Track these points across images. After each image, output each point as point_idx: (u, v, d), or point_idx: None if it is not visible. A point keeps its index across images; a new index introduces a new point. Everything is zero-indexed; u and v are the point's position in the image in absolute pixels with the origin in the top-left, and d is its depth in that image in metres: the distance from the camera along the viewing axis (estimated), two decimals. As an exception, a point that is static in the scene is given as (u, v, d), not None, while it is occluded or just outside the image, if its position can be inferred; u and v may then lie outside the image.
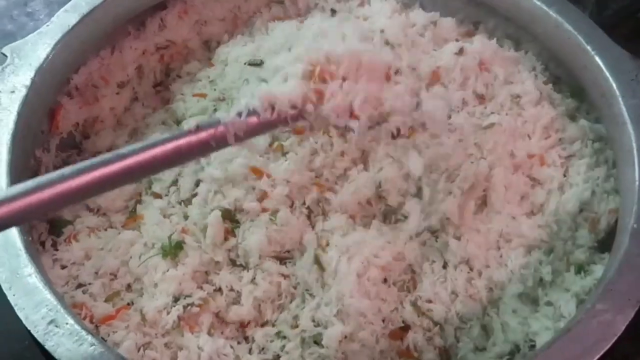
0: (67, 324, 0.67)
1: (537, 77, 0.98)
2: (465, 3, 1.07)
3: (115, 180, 0.61)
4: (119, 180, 0.62)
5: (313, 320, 0.78)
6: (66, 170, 0.60)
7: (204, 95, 0.98)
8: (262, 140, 0.87)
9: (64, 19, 0.92)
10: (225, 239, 0.84)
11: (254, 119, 0.65)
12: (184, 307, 0.80)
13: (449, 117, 0.89)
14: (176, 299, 0.81)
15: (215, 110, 0.96)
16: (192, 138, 0.63)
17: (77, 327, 0.66)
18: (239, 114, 0.64)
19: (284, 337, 0.79)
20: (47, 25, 0.91)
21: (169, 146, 0.62)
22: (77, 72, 0.96)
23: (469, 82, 0.93)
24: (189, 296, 0.81)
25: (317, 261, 0.81)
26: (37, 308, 0.67)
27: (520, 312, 0.78)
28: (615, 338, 0.67)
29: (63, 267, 0.83)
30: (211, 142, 0.64)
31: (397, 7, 1.01)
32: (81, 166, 0.60)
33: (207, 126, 0.64)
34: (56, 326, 0.66)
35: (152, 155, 0.62)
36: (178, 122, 0.99)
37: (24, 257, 0.71)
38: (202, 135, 0.64)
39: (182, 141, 0.63)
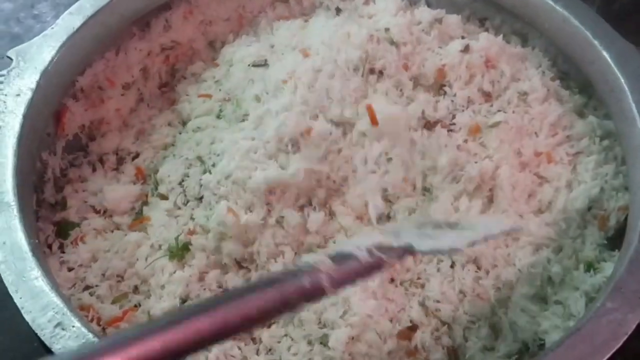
0: (73, 326, 0.66)
1: (544, 74, 0.97)
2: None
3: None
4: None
5: (319, 322, 0.78)
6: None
7: (209, 96, 0.98)
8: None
9: (69, 22, 0.92)
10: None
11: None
12: (192, 309, 0.79)
13: (454, 116, 0.89)
14: (183, 301, 0.81)
15: (220, 110, 0.95)
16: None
17: (83, 329, 0.66)
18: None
19: (292, 338, 0.79)
20: (52, 28, 0.91)
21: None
22: (82, 74, 0.96)
23: (475, 80, 0.92)
24: (197, 298, 0.81)
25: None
26: (44, 311, 0.67)
27: (529, 311, 0.78)
28: (626, 337, 0.66)
29: (70, 270, 0.84)
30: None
31: (402, 5, 1.00)
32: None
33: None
34: (63, 329, 0.66)
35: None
36: (184, 123, 0.99)
37: (30, 260, 0.71)
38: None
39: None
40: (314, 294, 0.57)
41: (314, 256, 0.59)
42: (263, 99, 0.89)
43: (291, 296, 0.56)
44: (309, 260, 0.59)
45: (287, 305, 0.56)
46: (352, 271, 0.59)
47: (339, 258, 0.59)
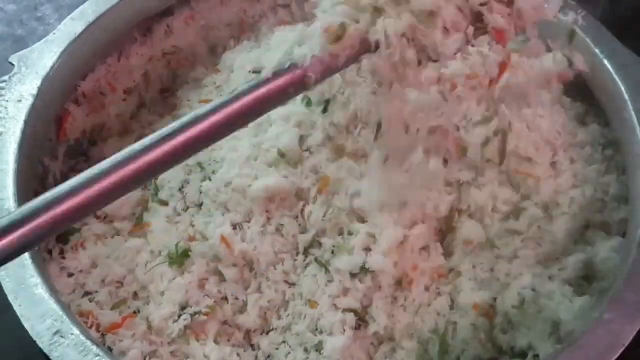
0: (72, 334, 0.67)
1: (546, 80, 0.96)
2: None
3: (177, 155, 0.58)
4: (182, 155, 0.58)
5: (316, 328, 0.78)
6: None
7: (209, 101, 0.98)
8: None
9: (71, 27, 0.93)
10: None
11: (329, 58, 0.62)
12: (191, 316, 0.80)
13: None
14: (183, 307, 0.81)
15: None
16: (270, 86, 0.60)
17: (82, 337, 0.66)
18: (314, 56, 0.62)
19: (289, 345, 0.79)
20: (54, 34, 0.92)
21: (249, 99, 0.59)
22: (84, 79, 0.96)
23: (477, 90, 0.91)
24: (196, 304, 0.81)
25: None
26: (43, 318, 0.68)
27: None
28: (623, 348, 0.66)
29: (70, 275, 0.84)
30: (289, 89, 0.61)
31: (403, 11, 1.00)
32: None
33: (285, 72, 0.61)
34: (61, 336, 0.67)
35: (232, 111, 0.59)
36: (185, 128, 0.99)
37: (29, 267, 0.71)
38: (280, 82, 0.61)
39: (259, 91, 0.60)
40: (297, 87, 0.62)
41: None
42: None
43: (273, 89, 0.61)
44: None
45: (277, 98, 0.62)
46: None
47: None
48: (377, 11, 0.66)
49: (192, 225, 0.87)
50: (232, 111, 0.59)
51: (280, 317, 0.82)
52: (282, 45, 0.95)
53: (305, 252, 0.83)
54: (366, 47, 0.64)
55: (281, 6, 1.12)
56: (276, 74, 0.61)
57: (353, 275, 0.79)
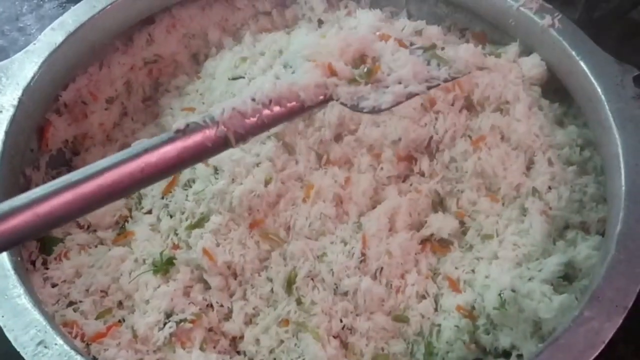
0: (56, 344, 0.67)
1: (524, 83, 0.97)
2: (452, 10, 1.08)
3: (95, 201, 0.56)
4: (99, 201, 0.57)
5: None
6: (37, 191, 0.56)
7: (192, 109, 0.99)
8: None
9: (51, 37, 0.93)
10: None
11: (263, 112, 0.61)
12: (177, 323, 0.80)
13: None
14: (168, 315, 0.81)
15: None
16: (185, 142, 0.58)
17: (66, 347, 0.66)
18: (238, 108, 0.60)
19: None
20: (34, 44, 0.92)
21: (155, 155, 0.57)
22: (65, 89, 0.97)
23: (456, 91, 0.92)
24: (182, 312, 0.81)
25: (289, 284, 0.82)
26: (26, 329, 0.68)
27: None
28: (603, 346, 0.67)
29: (54, 286, 0.84)
30: (207, 144, 0.58)
31: (382, 17, 1.01)
32: (53, 187, 0.56)
33: (201, 126, 0.58)
34: (45, 347, 0.66)
35: (135, 169, 0.56)
36: (167, 137, 0.99)
37: (12, 277, 0.71)
38: (197, 138, 0.58)
39: (171, 147, 0.58)
40: (217, 145, 0.60)
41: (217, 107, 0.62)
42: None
43: (195, 149, 0.59)
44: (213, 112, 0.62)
45: (190, 159, 0.59)
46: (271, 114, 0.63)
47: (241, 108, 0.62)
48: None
49: (176, 234, 0.87)
50: (130, 170, 0.56)
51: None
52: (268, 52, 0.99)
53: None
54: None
55: (262, 14, 1.13)
56: (190, 130, 0.58)
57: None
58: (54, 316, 0.79)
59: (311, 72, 0.69)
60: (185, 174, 0.88)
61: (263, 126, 0.64)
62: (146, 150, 0.58)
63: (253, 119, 0.63)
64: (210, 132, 0.60)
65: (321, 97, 0.69)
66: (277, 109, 0.64)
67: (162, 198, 0.90)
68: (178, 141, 0.59)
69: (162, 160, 0.58)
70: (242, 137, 0.61)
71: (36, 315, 0.69)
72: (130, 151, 0.58)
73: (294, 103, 0.66)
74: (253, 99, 0.63)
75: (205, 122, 0.61)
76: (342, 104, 0.71)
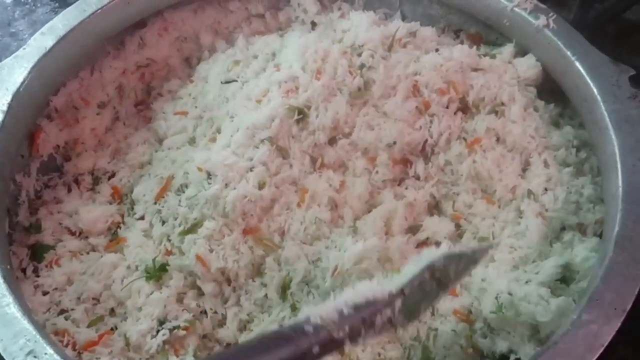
0: (46, 354, 0.65)
1: (519, 84, 0.97)
2: (446, 11, 1.07)
3: None
4: None
5: None
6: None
7: (185, 113, 0.98)
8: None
9: (41, 42, 0.92)
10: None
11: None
12: (170, 330, 0.79)
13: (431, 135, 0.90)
14: (161, 322, 0.80)
15: (195, 128, 0.95)
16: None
17: (56, 357, 0.65)
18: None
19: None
20: (24, 49, 0.91)
21: None
22: (56, 94, 0.95)
23: (451, 93, 0.92)
24: (175, 319, 0.80)
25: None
26: (16, 338, 0.66)
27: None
28: (602, 349, 0.66)
29: (45, 294, 0.83)
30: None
31: (376, 19, 1.00)
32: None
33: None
34: (35, 357, 0.65)
35: None
36: (160, 141, 0.99)
37: (1, 286, 0.70)
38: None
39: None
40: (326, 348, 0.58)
41: (321, 309, 0.60)
42: (235, 118, 0.89)
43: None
44: (316, 315, 0.59)
45: None
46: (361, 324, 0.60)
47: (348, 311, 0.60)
48: None
49: (169, 240, 0.85)
50: None
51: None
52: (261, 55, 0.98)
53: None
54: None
55: (255, 16, 1.12)
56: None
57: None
58: (45, 324, 0.78)
59: None
60: (179, 178, 0.87)
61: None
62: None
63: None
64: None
65: None
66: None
67: (155, 203, 0.88)
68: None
69: None
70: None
71: (25, 324, 0.67)
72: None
73: None
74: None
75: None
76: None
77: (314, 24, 1.08)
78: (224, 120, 0.90)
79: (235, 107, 0.91)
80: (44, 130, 0.94)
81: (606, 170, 0.82)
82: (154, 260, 0.83)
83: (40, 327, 0.69)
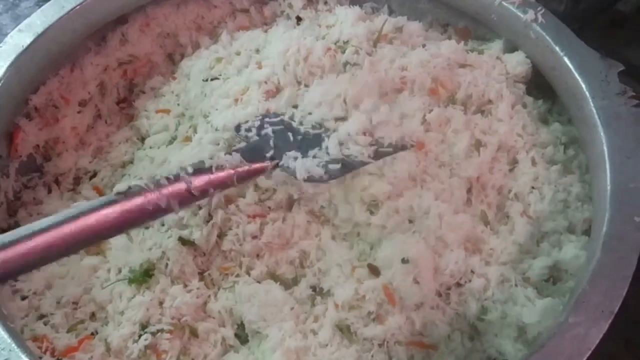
0: (21, 362, 0.64)
1: (507, 79, 0.95)
2: (434, 5, 1.05)
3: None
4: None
5: None
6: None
7: (167, 111, 0.96)
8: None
9: (18, 39, 0.89)
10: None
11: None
12: (153, 335, 0.77)
13: None
14: (143, 327, 0.78)
15: (177, 127, 0.93)
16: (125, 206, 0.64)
17: (32, 365, 0.64)
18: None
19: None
20: (0, 46, 0.89)
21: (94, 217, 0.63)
22: (35, 92, 0.93)
23: (438, 89, 0.90)
24: (158, 322, 0.78)
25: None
26: (-10, 347, 0.65)
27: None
28: (589, 352, 0.65)
29: (23, 298, 0.80)
30: (148, 208, 0.65)
31: (362, 14, 0.98)
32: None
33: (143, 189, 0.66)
34: (10, 366, 0.64)
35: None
36: (142, 139, 0.97)
37: (-24, 292, 0.68)
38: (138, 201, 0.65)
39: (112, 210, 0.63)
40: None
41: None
42: (209, 117, 0.87)
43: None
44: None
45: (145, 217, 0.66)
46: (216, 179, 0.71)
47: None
48: None
49: (155, 243, 0.84)
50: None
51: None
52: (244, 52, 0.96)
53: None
54: None
55: (240, 11, 1.10)
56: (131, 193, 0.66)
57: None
58: (23, 330, 0.76)
59: None
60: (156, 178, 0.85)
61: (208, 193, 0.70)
62: (83, 213, 0.64)
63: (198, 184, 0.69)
64: (152, 196, 0.66)
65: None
66: (221, 174, 0.70)
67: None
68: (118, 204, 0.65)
69: (102, 222, 0.64)
70: (185, 203, 0.68)
71: (0, 332, 0.66)
72: (69, 213, 0.63)
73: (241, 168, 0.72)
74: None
75: (148, 186, 0.66)
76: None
77: (299, 19, 1.06)
78: (199, 118, 0.89)
79: (211, 105, 0.89)
80: (23, 130, 0.91)
81: (594, 168, 0.80)
82: (141, 265, 0.81)
83: (16, 335, 0.67)
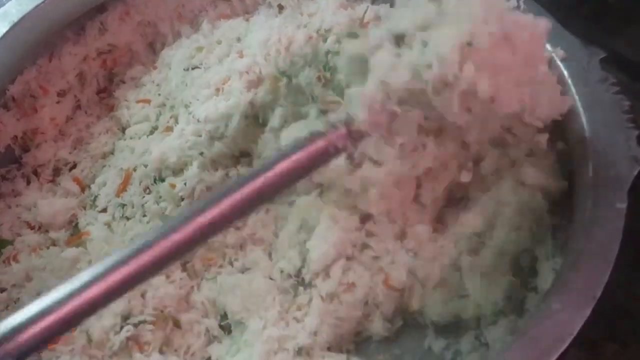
0: None
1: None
2: (417, -6, 1.04)
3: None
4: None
5: None
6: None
7: (148, 101, 0.95)
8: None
9: (-7, 29, 0.88)
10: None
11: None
12: (134, 326, 0.76)
13: None
14: (125, 318, 0.77)
15: (158, 117, 0.92)
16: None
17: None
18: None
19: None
20: (-25, 36, 0.87)
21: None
22: (12, 82, 0.92)
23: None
24: (140, 314, 0.78)
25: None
26: (-34, 341, 0.63)
27: None
28: (572, 338, 0.65)
29: (2, 290, 0.80)
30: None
31: (343, 2, 0.97)
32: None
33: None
34: (-13, 360, 0.63)
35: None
36: (123, 130, 0.96)
37: (-48, 287, 0.67)
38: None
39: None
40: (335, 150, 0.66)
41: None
42: (190, 107, 0.86)
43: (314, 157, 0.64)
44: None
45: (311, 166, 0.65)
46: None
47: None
48: None
49: (136, 234, 0.83)
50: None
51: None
52: (225, 40, 0.95)
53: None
54: None
55: (221, -1, 1.09)
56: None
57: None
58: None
59: None
60: (140, 171, 0.85)
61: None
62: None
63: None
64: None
65: None
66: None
67: (117, 196, 0.86)
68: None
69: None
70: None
71: (-23, 326, 0.65)
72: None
73: None
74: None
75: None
76: None
77: (280, 7, 1.04)
78: (180, 108, 0.88)
79: (193, 94, 0.88)
80: (0, 121, 0.91)
81: (576, 157, 0.80)
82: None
83: (-6, 328, 0.66)
